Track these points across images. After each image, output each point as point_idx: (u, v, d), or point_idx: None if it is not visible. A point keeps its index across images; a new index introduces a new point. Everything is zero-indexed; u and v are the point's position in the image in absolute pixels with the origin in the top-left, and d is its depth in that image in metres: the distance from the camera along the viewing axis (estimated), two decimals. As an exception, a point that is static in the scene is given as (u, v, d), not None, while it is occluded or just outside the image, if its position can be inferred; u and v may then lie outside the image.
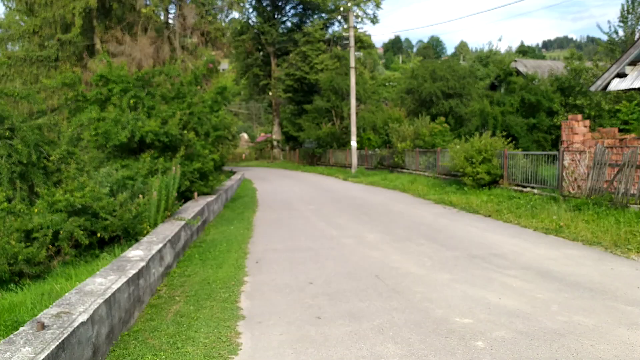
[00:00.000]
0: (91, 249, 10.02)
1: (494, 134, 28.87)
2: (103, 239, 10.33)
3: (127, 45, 29.72)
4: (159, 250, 8.13)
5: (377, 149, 35.96)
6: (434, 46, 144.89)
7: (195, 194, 14.34)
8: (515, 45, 72.44)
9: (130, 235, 10.49)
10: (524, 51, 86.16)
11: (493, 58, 58.73)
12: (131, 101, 15.17)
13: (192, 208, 12.75)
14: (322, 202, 18.40)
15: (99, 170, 13.15)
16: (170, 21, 31.93)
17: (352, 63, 32.03)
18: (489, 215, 13.72)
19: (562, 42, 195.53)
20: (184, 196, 15.59)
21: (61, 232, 8.89)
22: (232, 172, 34.23)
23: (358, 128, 34.87)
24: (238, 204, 18.80)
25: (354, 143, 32.41)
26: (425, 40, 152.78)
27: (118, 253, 9.31)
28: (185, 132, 15.14)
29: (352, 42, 31.77)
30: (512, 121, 29.87)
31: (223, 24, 32.35)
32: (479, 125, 31.18)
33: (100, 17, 32.12)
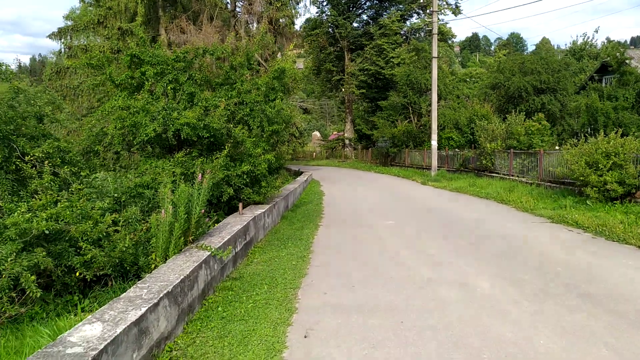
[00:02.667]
0: (69, 292, 6.66)
1: (605, 134, 23.92)
2: (96, 276, 6.96)
3: (190, 34, 26.87)
4: (139, 320, 4.61)
5: (457, 150, 31.47)
6: (514, 43, 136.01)
7: (241, 205, 10.84)
8: (599, 42, 64.77)
9: (129, 272, 7.08)
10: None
11: (589, 51, 52.20)
12: (168, 87, 11.91)
13: (230, 227, 9.23)
14: (401, 215, 14.47)
15: (116, 175, 9.93)
16: (238, 9, 28.85)
17: (435, 52, 27.71)
18: (648, 249, 9.33)
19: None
20: (230, 205, 12.20)
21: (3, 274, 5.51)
22: (299, 173, 30.87)
23: (438, 126, 30.50)
24: (299, 213, 15.21)
25: (434, 142, 28.12)
26: (505, 37, 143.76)
27: (95, 308, 5.90)
28: (231, 125, 11.67)
29: (435, 27, 27.44)
30: (627, 118, 24.59)
31: (293, 11, 28.83)
32: (585, 123, 26.10)
33: (166, 6, 29.65)
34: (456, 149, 32.03)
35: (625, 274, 7.70)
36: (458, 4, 44.47)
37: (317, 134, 74.07)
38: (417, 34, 48.15)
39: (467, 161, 28.08)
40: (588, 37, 53.12)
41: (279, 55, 30.37)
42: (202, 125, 11.09)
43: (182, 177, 11.10)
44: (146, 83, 11.91)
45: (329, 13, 48.71)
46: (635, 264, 8.36)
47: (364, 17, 50.82)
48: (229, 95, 12.34)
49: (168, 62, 12.10)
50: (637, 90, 25.61)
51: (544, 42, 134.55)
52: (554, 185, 17.91)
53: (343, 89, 49.93)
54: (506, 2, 28.02)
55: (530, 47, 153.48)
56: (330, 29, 49.43)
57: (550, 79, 35.73)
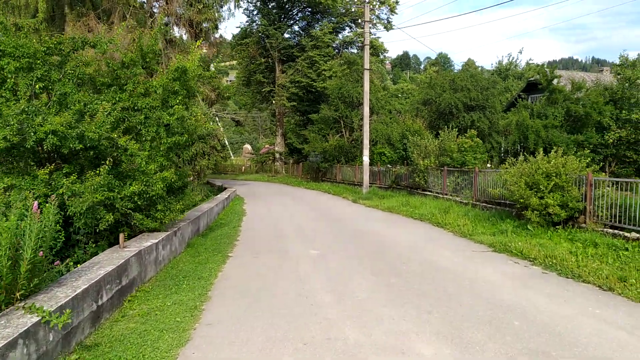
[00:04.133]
0: None
1: (533, 152, 23.13)
2: None
3: (99, 34, 23.83)
4: None
5: (389, 166, 30.12)
6: (442, 63, 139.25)
7: (121, 237, 8.44)
8: (523, 62, 66.29)
9: None
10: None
11: (513, 71, 52.92)
12: (37, 85, 9.38)
13: (96, 270, 6.88)
14: (328, 241, 12.48)
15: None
16: (155, 10, 26.24)
17: (367, 64, 26.22)
18: (616, 291, 7.74)
19: (567, 63, 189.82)
20: (120, 233, 9.79)
21: None
22: (222, 189, 28.45)
23: (370, 141, 29.00)
24: (211, 239, 12.92)
25: (366, 158, 26.53)
26: (433, 57, 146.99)
27: None
28: (114, 135, 9.28)
29: (367, 38, 25.97)
30: (556, 137, 23.95)
31: (216, 14, 26.50)
32: (516, 140, 25.32)
33: (73, 3, 26.58)
34: (388, 165, 30.67)
35: (600, 331, 6.00)
36: (390, 19, 43.71)
37: (248, 147, 71.50)
38: (349, 48, 47.01)
39: (399, 178, 26.68)
40: (513, 58, 53.96)
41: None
42: (74, 134, 8.66)
43: (45, 199, 8.62)
44: (8, 80, 9.31)
45: (259, 22, 46.73)
46: (603, 312, 6.72)
47: (296, 28, 49.26)
48: (117, 99, 9.94)
49: (37, 54, 9.57)
50: (566, 109, 25.11)
51: (469, 63, 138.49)
52: (490, 206, 16.56)
53: (274, 101, 47.91)
54: (435, 17, 27.09)
55: (457, 67, 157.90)
56: (260, 39, 47.41)
57: (480, 97, 35.27)
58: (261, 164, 54.88)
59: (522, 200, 13.02)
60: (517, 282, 8.33)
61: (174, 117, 9.98)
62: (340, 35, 46.62)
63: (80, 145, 8.75)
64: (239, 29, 49.31)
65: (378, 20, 42.94)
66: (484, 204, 17.04)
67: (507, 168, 14.39)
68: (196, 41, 27.30)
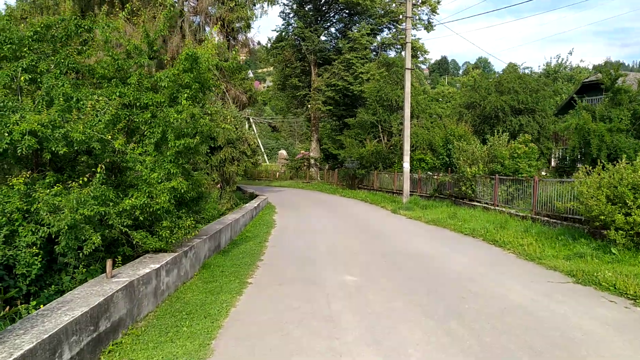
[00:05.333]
0: None
1: (595, 159, 20.61)
2: None
3: (128, 35, 22.61)
4: None
5: (430, 173, 27.93)
6: (481, 67, 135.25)
7: (109, 264, 6.63)
8: (573, 64, 62.00)
9: None
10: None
11: (563, 73, 49.78)
12: (22, 77, 7.78)
13: (63, 312, 5.12)
14: (366, 264, 10.51)
15: None
16: (185, 9, 24.83)
17: (408, 63, 24.14)
18: None
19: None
20: (122, 254, 8.13)
21: None
22: (254, 196, 26.79)
23: (410, 146, 26.88)
24: (231, 258, 11.12)
25: (406, 165, 24.41)
26: (473, 60, 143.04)
27: None
28: (108, 137, 7.56)
29: (408, 35, 23.91)
30: (622, 142, 21.32)
31: (248, 12, 24.91)
32: (576, 146, 22.75)
33: (102, 3, 25.47)
34: (429, 172, 28.48)
35: None
36: (431, 20, 41.45)
37: (283, 152, 70.00)
38: (388, 50, 44.95)
39: (442, 187, 24.46)
40: (562, 59, 50.78)
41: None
42: (57, 135, 6.99)
43: (23, 214, 6.98)
44: (-11, 71, 7.74)
45: (295, 25, 45.14)
46: None
47: (333, 30, 47.53)
48: (118, 93, 8.24)
49: (24, 41, 7.99)
50: (632, 111, 22.42)
51: (511, 67, 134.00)
52: (555, 221, 14.25)
53: (309, 105, 46.20)
54: (474, 28, 24.83)
55: (498, 71, 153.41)
56: (296, 42, 45.85)
57: (529, 99, 32.71)
58: (296, 170, 53.19)
59: (602, 217, 10.79)
60: (627, 335, 6.17)
61: (182, 115, 8.20)
62: (378, 37, 44.61)
63: (65, 149, 7.07)
64: (275, 32, 48.03)
65: (419, 21, 40.77)
66: (545, 218, 14.73)
67: (581, 178, 12.10)
68: (228, 41, 25.89)
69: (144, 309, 6.94)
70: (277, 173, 57.15)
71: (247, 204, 21.13)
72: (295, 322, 6.50)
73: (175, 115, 8.14)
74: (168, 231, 8.30)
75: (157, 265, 7.53)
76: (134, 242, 8.22)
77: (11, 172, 8.36)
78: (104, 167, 7.21)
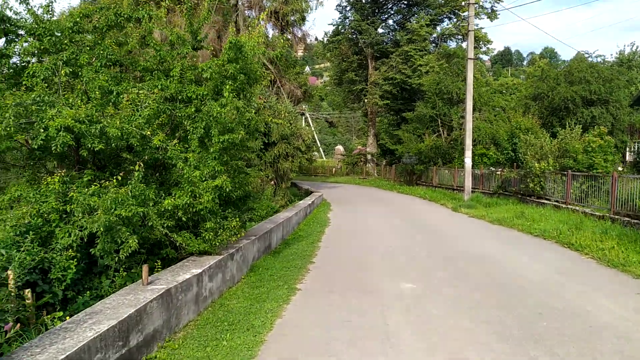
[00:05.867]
0: None
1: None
2: None
3: (172, 24, 22.41)
4: None
5: (492, 168, 26.46)
6: (547, 57, 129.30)
7: (145, 270, 6.11)
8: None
9: None
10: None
11: (639, 62, 46.38)
12: (63, 71, 7.43)
13: (72, 336, 4.59)
14: (426, 269, 9.64)
15: None
16: (240, 2, 24.50)
17: (470, 53, 22.82)
18: None
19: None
20: (163, 257, 7.72)
21: None
22: (309, 192, 26.24)
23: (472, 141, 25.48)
24: (281, 260, 10.52)
25: (468, 160, 23.13)
26: (537, 52, 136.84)
27: None
28: (148, 132, 7.07)
29: (471, 23, 22.57)
30: None
31: (303, 4, 24.29)
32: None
33: (159, -1, 25.55)
34: (491, 168, 27.02)
35: None
36: (495, 8, 39.49)
37: (340, 148, 69.35)
38: (448, 41, 43.30)
39: (507, 183, 23.01)
40: (637, 47, 47.29)
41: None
42: (93, 130, 6.55)
43: (60, 215, 6.59)
44: (30, 66, 7.43)
45: (352, 18, 44.25)
46: None
47: (390, 22, 46.32)
48: (160, 86, 7.75)
49: (64, 32, 7.64)
50: None
51: (579, 58, 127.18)
52: (637, 221, 12.80)
53: (366, 100, 45.24)
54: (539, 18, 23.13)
55: (566, 60, 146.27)
56: (353, 35, 44.98)
57: (602, 89, 30.54)
58: (352, 166, 52.36)
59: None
60: None
61: (225, 108, 7.61)
62: (438, 28, 43.01)
63: (101, 146, 6.63)
64: (331, 25, 47.35)
65: (481, 9, 38.91)
66: (626, 219, 13.28)
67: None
68: (282, 34, 25.38)
69: (183, 317, 6.40)
70: (333, 169, 56.55)
71: (301, 201, 20.58)
72: (346, 342, 5.75)
73: (219, 109, 7.56)
74: (212, 233, 7.76)
75: (199, 270, 6.99)
76: (177, 244, 7.74)
77: (55, 170, 8.08)
78: (142, 164, 6.71)
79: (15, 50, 7.46)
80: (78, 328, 4.62)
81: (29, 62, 7.76)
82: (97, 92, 6.94)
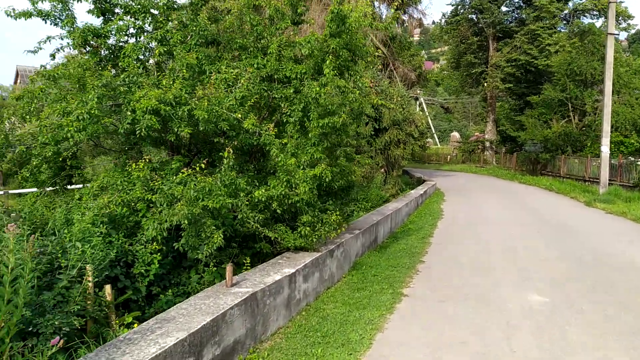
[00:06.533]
0: None
1: None
2: None
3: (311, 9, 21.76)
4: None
5: (632, 158, 23.19)
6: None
7: (229, 269, 5.38)
8: None
9: None
10: None
11: None
12: (157, 50, 6.97)
13: (134, 351, 3.94)
14: (559, 277, 8.06)
15: None
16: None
17: (611, 27, 19.90)
18: None
19: None
20: (257, 252, 7.08)
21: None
22: (421, 181, 24.81)
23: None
24: (387, 257, 9.47)
25: (605, 148, 20.31)
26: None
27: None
28: (238, 115, 6.35)
29: (613, -8, 19.62)
30: None
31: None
32: None
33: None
34: (630, 157, 23.74)
35: None
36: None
37: (456, 134, 66.02)
38: (581, 17, 39.00)
39: (652, 175, 19.94)
40: None
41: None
42: (180, 113, 5.95)
43: (147, 204, 6.09)
44: (127, 46, 7.04)
45: (472, -4, 41.40)
46: None
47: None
48: (256, 65, 7.01)
49: (159, 8, 7.16)
50: None
51: None
52: None
53: (485, 84, 42.27)
54: None
55: None
56: (473, 15, 42.15)
57: None
58: (468, 153, 49.49)
59: None
60: None
61: (326, 88, 6.68)
62: (569, 3, 38.84)
63: (188, 130, 6.01)
64: (450, 5, 44.75)
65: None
66: None
67: None
68: (396, 11, 23.98)
69: (271, 324, 5.63)
70: (448, 156, 53.96)
71: (412, 190, 19.30)
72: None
73: (317, 89, 6.65)
74: (308, 227, 6.91)
75: (292, 270, 6.19)
76: (272, 238, 7.00)
77: (153, 155, 7.72)
78: (231, 150, 6.00)
79: (111, 29, 7.07)
80: (142, 341, 3.97)
81: (126, 42, 7.39)
82: (185, 72, 6.33)
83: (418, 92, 43.13)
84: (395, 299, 6.86)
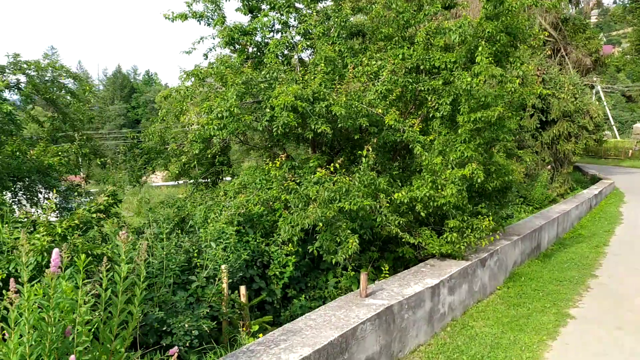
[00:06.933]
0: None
1: None
2: None
3: None
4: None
5: None
6: None
7: (363, 278, 4.90)
8: None
9: None
10: None
11: None
12: (300, 45, 6.79)
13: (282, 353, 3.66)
14: None
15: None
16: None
17: None
18: None
19: None
20: (399, 257, 6.61)
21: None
22: (595, 180, 22.03)
23: None
24: (551, 268, 8.28)
25: None
26: None
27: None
28: (379, 109, 5.86)
29: None
30: None
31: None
32: None
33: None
34: None
35: None
36: None
37: (639, 126, 58.10)
38: None
39: None
40: None
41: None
42: (318, 109, 5.65)
43: (284, 204, 5.93)
44: (271, 42, 6.97)
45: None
46: None
47: None
48: (401, 55, 6.44)
49: (302, 2, 6.95)
50: None
51: None
52: None
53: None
54: None
55: None
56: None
57: None
58: (656, 147, 43.10)
59: None
60: None
61: (478, 78, 5.87)
62: None
63: (324, 127, 5.67)
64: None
65: None
66: None
67: None
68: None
69: (409, 341, 5.08)
70: (630, 151, 47.54)
71: (585, 190, 17.08)
72: None
73: (469, 79, 5.87)
74: (456, 233, 6.19)
75: (436, 281, 5.56)
76: (416, 243, 6.40)
77: (293, 152, 7.60)
78: (370, 148, 5.55)
79: (257, 26, 7.04)
80: (264, 354, 3.70)
81: (271, 38, 7.33)
82: (324, 65, 6.00)
83: (594, 79, 38.61)
84: (560, 321, 5.84)
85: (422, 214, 6.16)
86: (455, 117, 6.41)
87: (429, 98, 6.49)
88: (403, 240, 6.39)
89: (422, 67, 6.55)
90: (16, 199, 6.73)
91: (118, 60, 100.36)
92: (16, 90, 7.35)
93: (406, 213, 6.17)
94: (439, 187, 6.09)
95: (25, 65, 7.29)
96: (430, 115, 6.51)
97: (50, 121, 8.19)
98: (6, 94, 7.14)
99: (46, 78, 7.47)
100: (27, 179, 6.58)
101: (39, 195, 6.90)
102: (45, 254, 3.68)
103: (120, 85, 76.58)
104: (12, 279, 2.24)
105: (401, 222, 5.86)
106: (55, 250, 2.34)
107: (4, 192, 6.03)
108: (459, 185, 6.03)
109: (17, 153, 6.51)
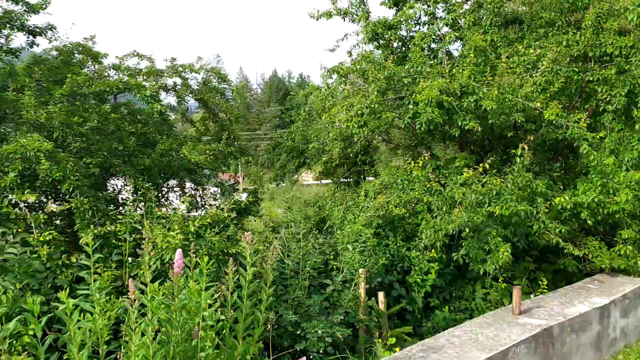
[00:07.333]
0: None
1: None
2: None
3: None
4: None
5: None
6: None
7: (516, 293, 4.32)
8: None
9: None
10: None
11: None
12: (447, 37, 6.34)
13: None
14: None
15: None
16: None
17: None
18: None
19: None
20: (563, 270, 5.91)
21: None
22: None
23: None
24: None
25: None
26: None
27: None
28: (538, 103, 5.19)
29: None
30: None
31: None
32: None
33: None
34: None
35: None
36: None
37: None
38: None
39: None
40: None
41: None
42: (466, 104, 5.15)
43: (428, 206, 5.56)
44: (417, 35, 6.62)
45: None
46: None
47: None
48: (566, 42, 5.66)
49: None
50: None
51: None
52: None
53: None
54: None
55: None
56: None
57: None
58: None
59: None
60: None
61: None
62: None
63: (473, 124, 5.15)
64: None
65: None
66: None
67: None
68: None
69: (572, 370, 4.39)
70: None
71: None
72: None
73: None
74: (631, 246, 5.27)
75: (606, 301, 4.76)
76: (580, 255, 5.59)
77: (439, 151, 7.15)
78: (526, 147, 4.93)
79: (402, 19, 6.71)
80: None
81: (416, 31, 6.95)
82: (473, 56, 5.47)
83: None
84: None
85: (589, 222, 5.33)
86: (631, 111, 5.48)
87: (599, 89, 5.62)
88: (565, 251, 5.60)
89: (590, 55, 5.69)
90: (167, 195, 7.23)
91: (274, 65, 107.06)
92: (172, 92, 7.93)
93: (569, 220, 5.39)
94: (611, 192, 5.22)
95: (180, 69, 7.82)
96: (600, 109, 5.64)
97: (202, 122, 8.71)
98: (162, 96, 7.75)
99: (199, 79, 7.98)
100: (175, 176, 7.02)
101: (184, 192, 7.30)
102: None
103: (276, 88, 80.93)
104: (130, 280, 2.21)
105: (563, 230, 5.12)
106: (179, 251, 2.28)
107: (156, 188, 6.44)
108: (636, 190, 5.12)
109: (170, 151, 6.96)
